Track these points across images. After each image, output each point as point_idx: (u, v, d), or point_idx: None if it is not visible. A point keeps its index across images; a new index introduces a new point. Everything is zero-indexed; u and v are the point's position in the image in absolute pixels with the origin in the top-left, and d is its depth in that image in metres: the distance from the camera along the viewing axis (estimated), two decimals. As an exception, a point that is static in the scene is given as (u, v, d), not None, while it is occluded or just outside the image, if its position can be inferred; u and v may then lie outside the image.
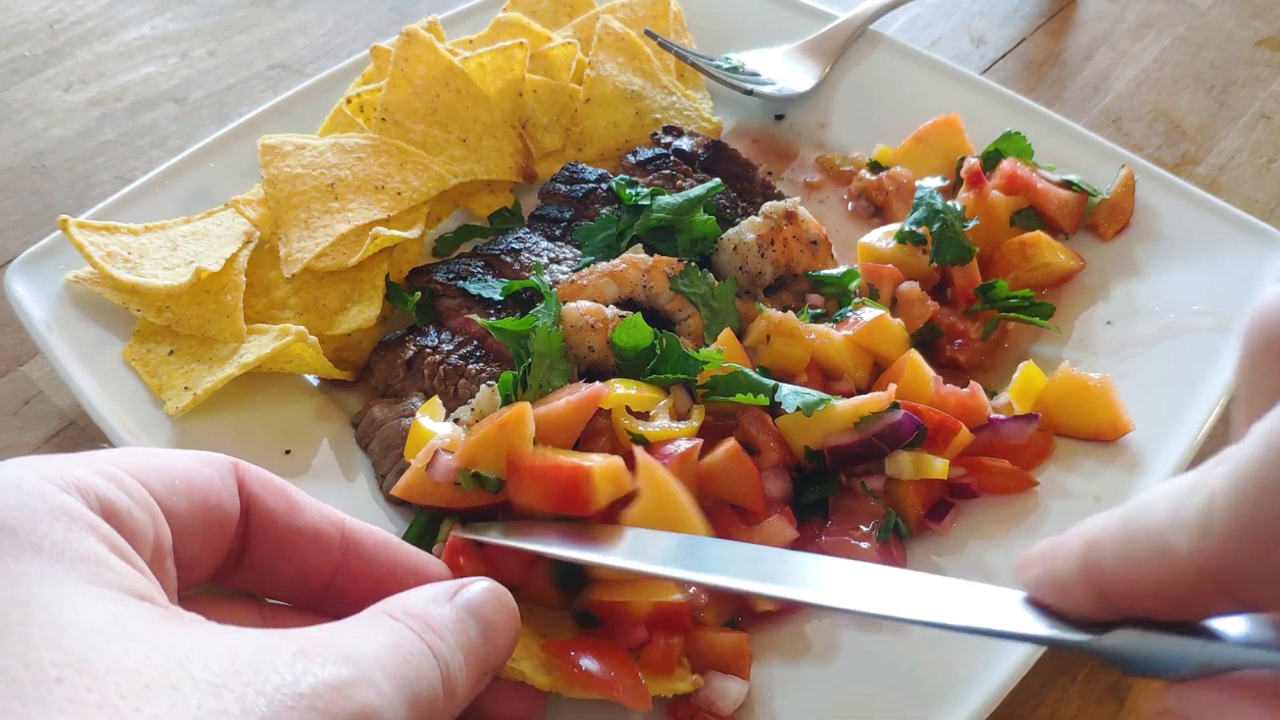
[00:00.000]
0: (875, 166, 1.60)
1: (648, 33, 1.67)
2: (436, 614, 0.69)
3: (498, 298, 1.33)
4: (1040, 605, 0.62)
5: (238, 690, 0.52)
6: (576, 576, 1.03)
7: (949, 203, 1.42)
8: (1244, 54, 1.99)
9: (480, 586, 0.75)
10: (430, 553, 1.08)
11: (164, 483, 0.67)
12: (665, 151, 1.54)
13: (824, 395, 1.13)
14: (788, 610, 1.08)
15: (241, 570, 0.75)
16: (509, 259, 1.38)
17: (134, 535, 0.62)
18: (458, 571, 0.92)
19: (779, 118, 1.74)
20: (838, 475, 1.17)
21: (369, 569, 0.78)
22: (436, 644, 0.66)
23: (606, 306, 1.27)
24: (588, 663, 0.86)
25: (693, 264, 1.33)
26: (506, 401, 1.17)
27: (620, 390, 1.16)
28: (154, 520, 0.64)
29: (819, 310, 1.36)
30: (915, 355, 1.23)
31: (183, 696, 0.50)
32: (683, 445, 1.10)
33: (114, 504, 0.61)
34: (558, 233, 1.44)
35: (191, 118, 1.91)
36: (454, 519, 1.13)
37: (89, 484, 0.61)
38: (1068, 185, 1.47)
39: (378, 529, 0.81)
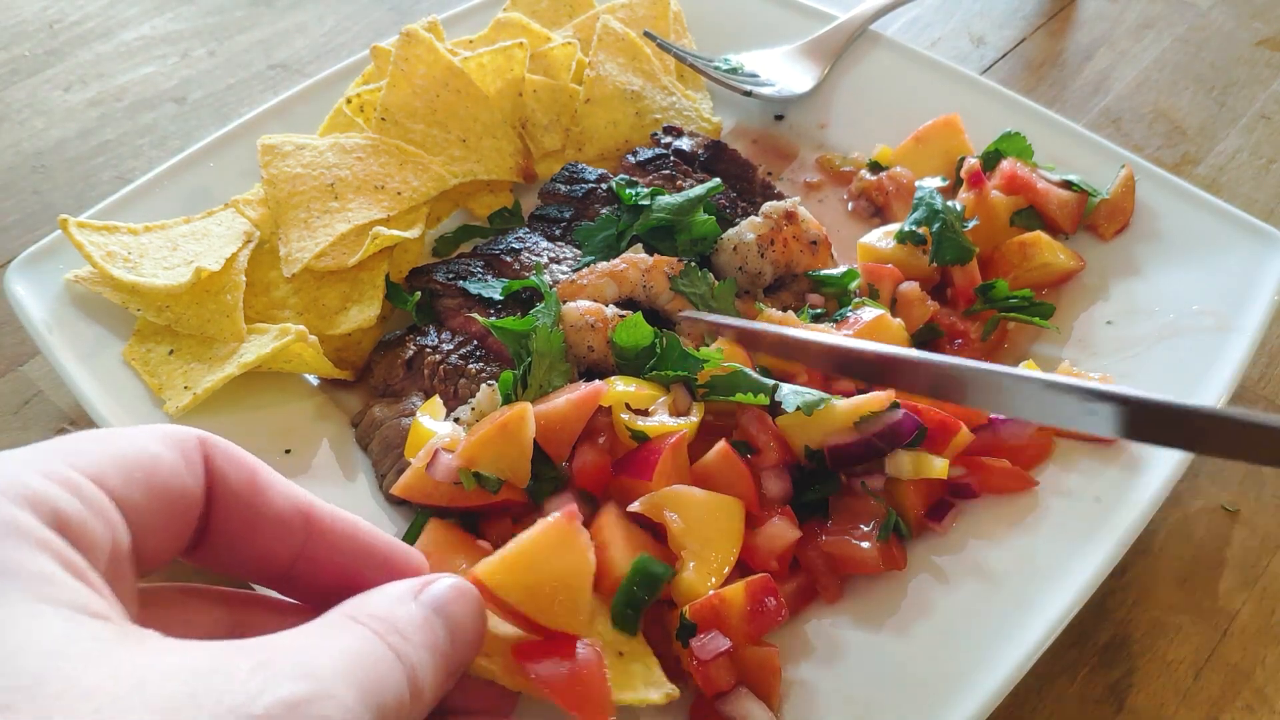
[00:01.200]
0: (875, 167, 1.60)
1: (647, 34, 1.67)
2: (402, 614, 0.68)
3: (498, 298, 1.33)
4: None
5: (190, 713, 0.51)
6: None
7: (949, 203, 1.42)
8: (1244, 54, 1.99)
9: (447, 584, 0.73)
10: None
11: (122, 476, 0.64)
12: (665, 151, 1.54)
13: (824, 395, 1.14)
14: (797, 611, 1.08)
15: (201, 550, 0.73)
16: (509, 259, 1.38)
17: (89, 547, 0.60)
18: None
19: (779, 118, 1.74)
20: (838, 475, 1.17)
21: (333, 557, 0.76)
22: (402, 646, 0.65)
23: (606, 306, 1.27)
24: (548, 671, 0.83)
25: (693, 264, 1.33)
26: (507, 401, 1.17)
27: (620, 387, 1.16)
28: (110, 526, 0.62)
29: (819, 310, 1.36)
30: (915, 355, 1.23)
31: None
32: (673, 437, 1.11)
33: (68, 516, 0.59)
34: (558, 233, 1.44)
35: (191, 118, 1.91)
36: (454, 518, 1.13)
37: (42, 495, 0.59)
38: (1068, 185, 1.47)
39: (347, 515, 0.79)
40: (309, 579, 0.76)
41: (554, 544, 0.84)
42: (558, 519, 0.84)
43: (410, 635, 0.66)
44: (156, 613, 0.71)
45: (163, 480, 0.67)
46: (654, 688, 0.93)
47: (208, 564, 0.75)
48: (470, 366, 1.29)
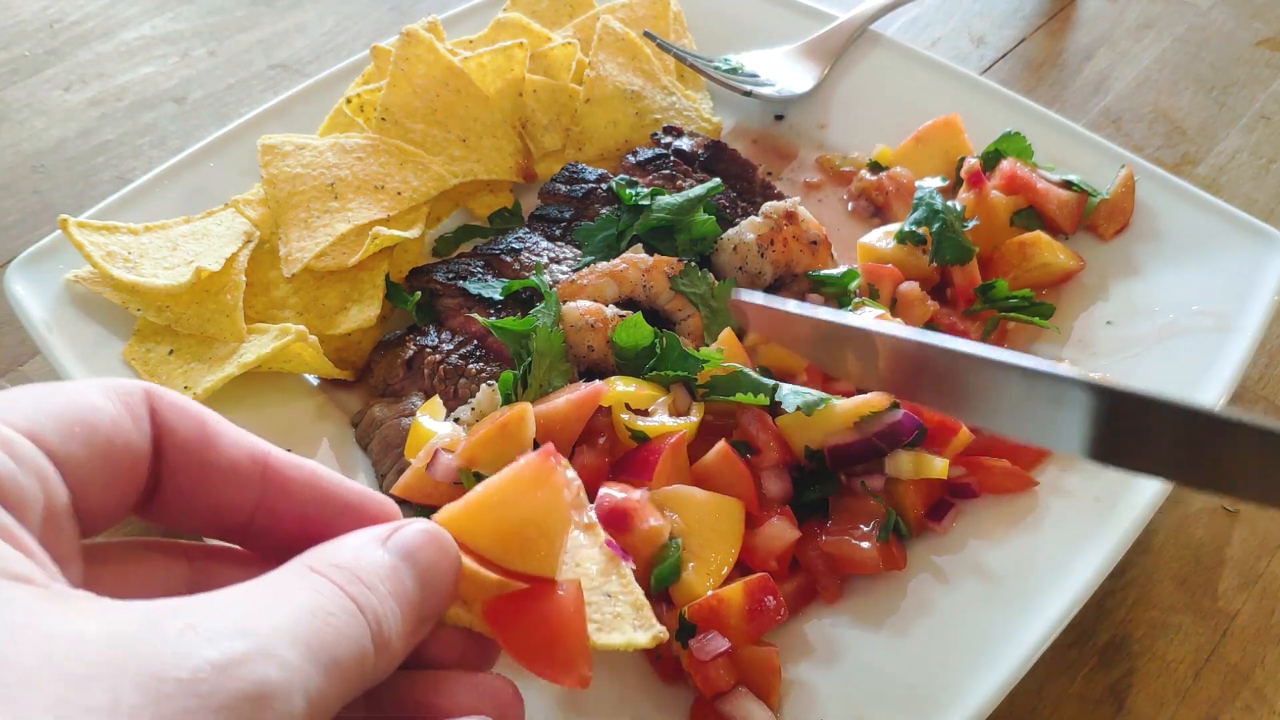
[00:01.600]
0: (875, 167, 1.60)
1: (647, 34, 1.67)
2: (366, 562, 0.64)
3: (498, 298, 1.33)
4: None
5: (108, 681, 0.48)
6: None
7: (949, 203, 1.42)
8: (1244, 54, 1.99)
9: (417, 528, 0.69)
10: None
11: (59, 430, 0.61)
12: (665, 151, 1.54)
13: (824, 395, 1.14)
14: (794, 613, 1.08)
15: (155, 505, 0.70)
16: (509, 259, 1.38)
17: (19, 505, 0.57)
18: None
19: (779, 118, 1.74)
20: (838, 475, 1.17)
21: (295, 506, 0.72)
22: (365, 597, 0.61)
23: (606, 306, 1.27)
24: (516, 634, 0.77)
25: (693, 264, 1.33)
26: (507, 401, 1.17)
27: (620, 388, 1.16)
28: (44, 483, 0.59)
29: (819, 310, 1.36)
30: (915, 355, 1.23)
31: (44, 693, 0.46)
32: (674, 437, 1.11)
33: None
34: (558, 233, 1.45)
35: (191, 118, 1.91)
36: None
37: None
38: (1068, 185, 1.47)
39: (309, 463, 0.75)
40: (271, 531, 0.73)
41: (526, 485, 0.78)
42: (533, 459, 0.78)
43: (375, 584, 0.63)
44: (109, 570, 0.69)
45: (104, 434, 0.64)
46: (642, 630, 0.86)
47: (162, 520, 0.72)
48: (470, 366, 1.29)
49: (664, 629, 0.84)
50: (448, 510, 0.76)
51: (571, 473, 0.84)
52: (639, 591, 0.88)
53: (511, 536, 0.77)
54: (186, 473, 0.70)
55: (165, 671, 0.49)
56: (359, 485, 0.76)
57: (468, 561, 0.74)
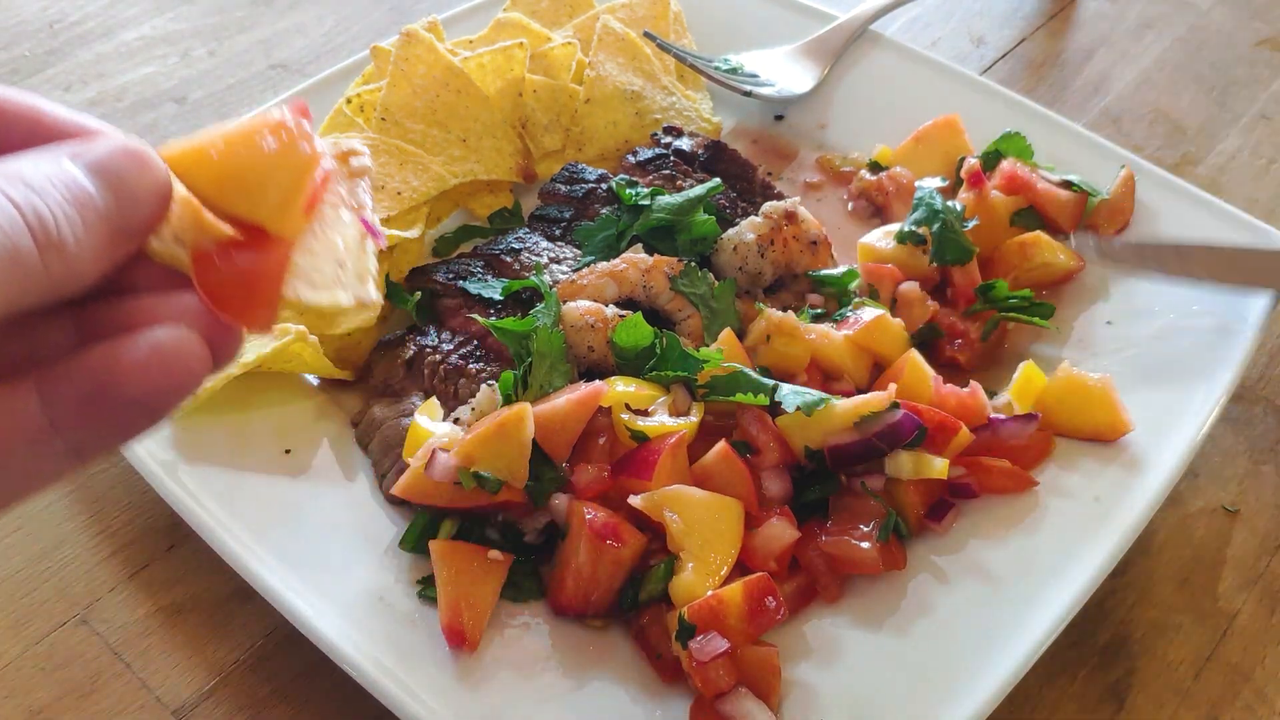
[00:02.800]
0: (875, 167, 1.60)
1: (647, 34, 1.67)
2: (41, 169, 0.62)
3: (498, 298, 1.33)
4: None
5: None
6: None
7: (949, 203, 1.42)
8: (1244, 54, 1.99)
9: (109, 144, 0.67)
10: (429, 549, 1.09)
11: None
12: (665, 151, 1.54)
13: (824, 395, 1.14)
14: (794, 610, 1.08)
15: None
16: (509, 259, 1.38)
17: None
18: None
19: (779, 118, 1.74)
20: (838, 475, 1.17)
21: (13, 137, 0.69)
22: (24, 195, 0.60)
23: (606, 306, 1.27)
24: (221, 273, 0.71)
25: (693, 264, 1.33)
26: (507, 401, 1.17)
27: (620, 387, 1.16)
28: None
29: (819, 310, 1.36)
30: (915, 355, 1.23)
31: None
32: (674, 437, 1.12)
33: None
34: (558, 233, 1.45)
35: (191, 118, 1.91)
36: (454, 518, 1.13)
37: None
38: (1068, 185, 1.47)
39: (30, 95, 0.72)
40: None
41: (257, 133, 0.73)
42: (272, 111, 0.74)
43: (44, 188, 0.61)
44: None
45: None
46: (348, 291, 0.79)
47: None
48: (470, 366, 1.29)
49: (378, 299, 0.77)
50: (174, 144, 0.73)
51: (358, 145, 0.79)
52: (372, 268, 0.81)
53: (235, 181, 0.73)
54: None
55: None
56: (87, 116, 0.73)
57: (191, 198, 0.71)
